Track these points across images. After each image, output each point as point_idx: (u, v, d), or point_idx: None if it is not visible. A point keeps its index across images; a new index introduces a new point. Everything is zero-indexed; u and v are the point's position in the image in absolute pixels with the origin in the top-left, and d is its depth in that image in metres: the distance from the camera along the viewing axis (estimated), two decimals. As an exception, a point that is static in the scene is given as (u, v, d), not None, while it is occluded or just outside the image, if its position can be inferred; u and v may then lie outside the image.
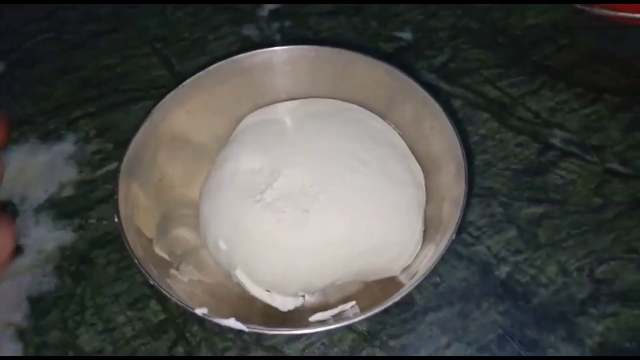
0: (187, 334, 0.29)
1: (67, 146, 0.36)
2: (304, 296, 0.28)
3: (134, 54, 0.40)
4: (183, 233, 0.29)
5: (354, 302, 0.27)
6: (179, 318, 0.30)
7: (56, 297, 0.31)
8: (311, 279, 0.26)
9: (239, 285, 0.27)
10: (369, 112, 0.30)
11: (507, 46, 0.40)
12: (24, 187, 0.35)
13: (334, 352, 0.29)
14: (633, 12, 0.34)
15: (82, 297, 0.31)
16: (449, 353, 0.28)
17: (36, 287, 0.31)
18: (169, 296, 0.24)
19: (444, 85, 0.38)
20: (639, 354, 0.28)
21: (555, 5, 0.41)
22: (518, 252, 0.31)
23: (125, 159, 0.27)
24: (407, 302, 0.30)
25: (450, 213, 0.26)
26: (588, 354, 0.28)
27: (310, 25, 0.41)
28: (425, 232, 0.28)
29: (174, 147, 0.30)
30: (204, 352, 0.29)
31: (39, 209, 0.34)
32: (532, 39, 0.40)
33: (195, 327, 0.29)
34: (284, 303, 0.27)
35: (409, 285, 0.24)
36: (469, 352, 0.28)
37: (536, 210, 0.33)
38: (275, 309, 0.27)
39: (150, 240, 0.27)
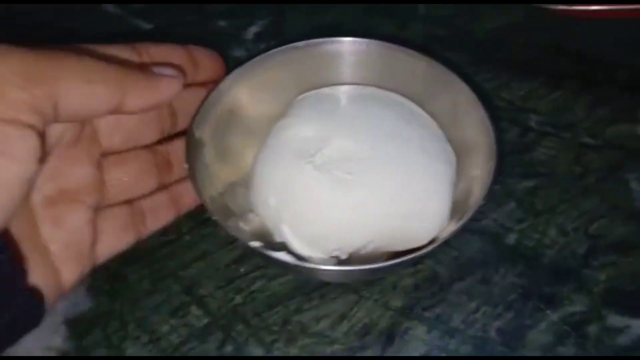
0: (234, 333, 0.30)
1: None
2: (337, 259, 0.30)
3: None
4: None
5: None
6: (222, 320, 0.31)
7: (94, 315, 0.31)
8: (349, 237, 0.29)
9: None
10: (409, 100, 0.33)
11: (474, 49, 0.44)
12: None
13: (377, 329, 0.30)
14: (586, 5, 0.40)
15: (121, 313, 0.31)
16: (479, 316, 0.31)
17: (71, 310, 0.31)
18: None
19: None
20: (640, 294, 0.32)
21: (507, 10, 0.47)
22: (520, 221, 0.35)
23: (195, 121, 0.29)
24: (432, 278, 0.32)
25: (475, 190, 0.29)
26: (598, 301, 0.32)
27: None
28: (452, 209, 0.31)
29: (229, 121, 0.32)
30: (253, 347, 0.30)
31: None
32: (494, 41, 0.45)
33: (240, 326, 0.30)
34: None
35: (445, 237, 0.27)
36: (496, 313, 0.31)
37: (528, 183, 0.36)
38: None
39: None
